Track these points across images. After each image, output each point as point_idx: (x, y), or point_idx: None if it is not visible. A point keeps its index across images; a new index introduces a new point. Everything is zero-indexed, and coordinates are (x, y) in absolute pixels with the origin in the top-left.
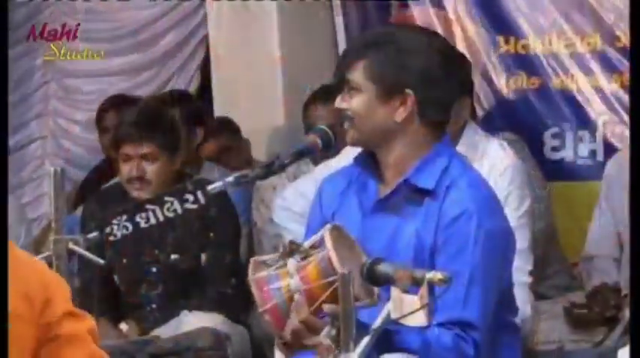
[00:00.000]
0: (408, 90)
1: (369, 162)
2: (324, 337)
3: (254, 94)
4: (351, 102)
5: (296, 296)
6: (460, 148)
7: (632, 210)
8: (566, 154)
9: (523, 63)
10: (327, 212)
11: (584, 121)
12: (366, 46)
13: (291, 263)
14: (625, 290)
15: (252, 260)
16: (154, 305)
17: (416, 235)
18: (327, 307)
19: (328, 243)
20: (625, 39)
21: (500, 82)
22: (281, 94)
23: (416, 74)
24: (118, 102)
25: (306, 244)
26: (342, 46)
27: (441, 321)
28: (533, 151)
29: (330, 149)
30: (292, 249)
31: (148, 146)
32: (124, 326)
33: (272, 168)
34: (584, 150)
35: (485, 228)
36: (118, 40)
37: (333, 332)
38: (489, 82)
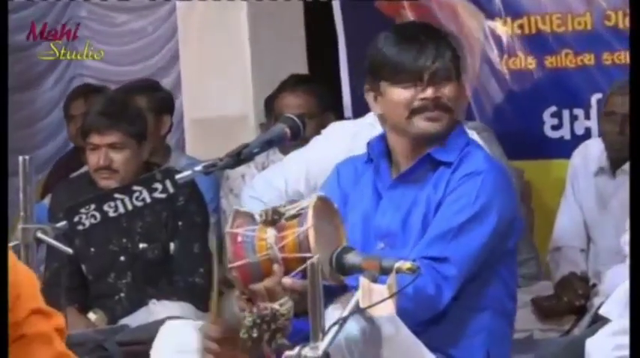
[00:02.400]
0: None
1: (383, 150)
2: (279, 305)
3: (223, 84)
4: (444, 90)
5: (275, 266)
6: None
7: (632, 209)
8: (564, 132)
9: (520, 43)
10: (345, 189)
11: (578, 100)
12: (439, 37)
13: (271, 233)
14: (592, 280)
15: (234, 209)
16: (122, 294)
17: (426, 200)
18: (285, 280)
19: (310, 220)
20: (615, 18)
21: (500, 63)
22: (250, 84)
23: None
24: (85, 92)
25: (288, 213)
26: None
27: (416, 257)
28: (534, 130)
29: (298, 138)
30: (274, 219)
31: (115, 135)
32: (92, 315)
33: (241, 157)
34: (580, 128)
35: (492, 184)
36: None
37: (290, 304)
38: (489, 63)
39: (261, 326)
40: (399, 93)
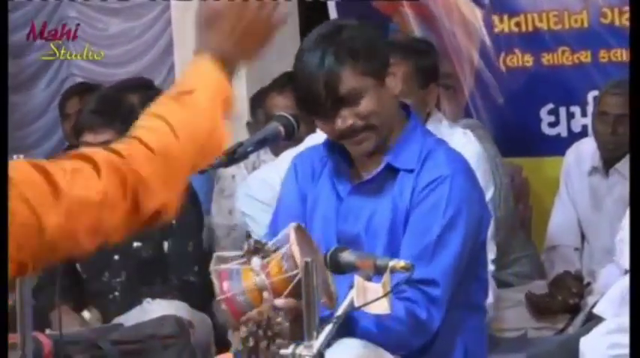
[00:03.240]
0: (392, 59)
1: (340, 147)
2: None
3: None
4: (357, 110)
5: (265, 294)
6: None
7: (632, 209)
8: (561, 130)
9: (518, 41)
10: (303, 186)
11: (575, 97)
12: (337, 51)
13: (256, 262)
14: (587, 278)
15: (215, 255)
16: (116, 293)
17: (392, 205)
18: (277, 301)
19: (292, 238)
20: (611, 15)
21: (498, 60)
22: (244, 83)
23: (387, 43)
24: (80, 90)
25: (270, 244)
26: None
27: (401, 280)
28: (531, 127)
29: (293, 137)
30: (257, 248)
31: (108, 133)
32: (86, 314)
33: (235, 156)
34: (576, 125)
35: (459, 191)
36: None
37: (286, 325)
38: (487, 61)
39: (257, 334)
40: (320, 125)
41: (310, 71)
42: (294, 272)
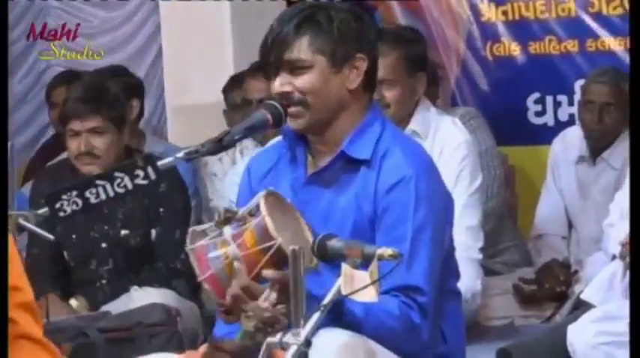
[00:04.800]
0: (360, 54)
1: (299, 135)
2: (263, 301)
3: (205, 72)
4: (297, 82)
5: (235, 264)
6: (413, 125)
7: (633, 208)
8: (548, 119)
9: (504, 29)
10: (256, 188)
11: (562, 86)
12: (302, 22)
13: (228, 231)
14: (574, 266)
15: (190, 230)
16: (104, 281)
17: (355, 203)
18: (265, 272)
19: (263, 208)
20: (599, 4)
21: (484, 49)
22: (232, 72)
23: (364, 37)
24: (67, 79)
25: (242, 212)
26: None
27: (386, 288)
28: (518, 116)
29: (280, 124)
30: (228, 218)
31: (96, 120)
32: (73, 302)
33: (223, 144)
34: (563, 114)
35: (424, 191)
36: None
37: (273, 296)
38: (474, 49)
39: (266, 330)
40: (272, 86)
41: (272, 29)
42: (269, 243)
